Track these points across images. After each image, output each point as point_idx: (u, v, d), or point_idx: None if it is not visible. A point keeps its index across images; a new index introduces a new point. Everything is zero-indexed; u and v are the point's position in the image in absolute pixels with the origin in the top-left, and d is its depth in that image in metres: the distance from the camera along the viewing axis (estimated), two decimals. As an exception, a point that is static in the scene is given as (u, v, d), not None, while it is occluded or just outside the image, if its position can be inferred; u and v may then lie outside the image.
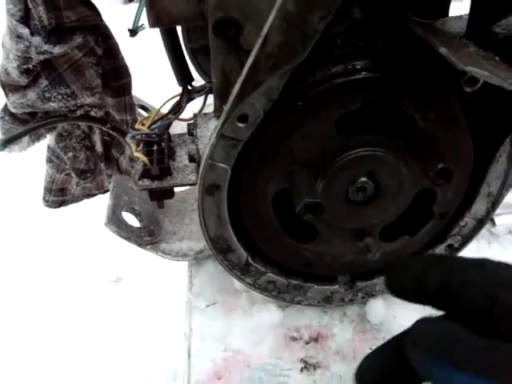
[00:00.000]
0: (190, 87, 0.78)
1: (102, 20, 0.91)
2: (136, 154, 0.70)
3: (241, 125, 0.60)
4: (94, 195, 1.23)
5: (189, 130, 0.74)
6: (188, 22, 0.69)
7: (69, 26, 0.84)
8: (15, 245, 2.63)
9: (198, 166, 0.69)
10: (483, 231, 0.89)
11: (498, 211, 0.84)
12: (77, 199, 1.24)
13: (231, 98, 0.58)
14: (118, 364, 2.04)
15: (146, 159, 0.70)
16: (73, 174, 1.16)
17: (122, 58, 1.02)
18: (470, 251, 0.91)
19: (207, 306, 0.85)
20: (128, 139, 0.74)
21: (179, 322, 0.94)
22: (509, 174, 0.72)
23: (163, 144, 0.73)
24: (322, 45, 0.61)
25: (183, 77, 0.78)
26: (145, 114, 1.15)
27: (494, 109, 0.70)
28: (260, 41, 0.55)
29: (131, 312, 2.24)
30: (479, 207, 0.75)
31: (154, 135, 0.73)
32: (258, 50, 0.55)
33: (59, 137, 1.11)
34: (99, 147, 1.15)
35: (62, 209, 1.23)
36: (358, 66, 0.61)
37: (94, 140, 1.14)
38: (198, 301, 0.85)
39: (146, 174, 0.70)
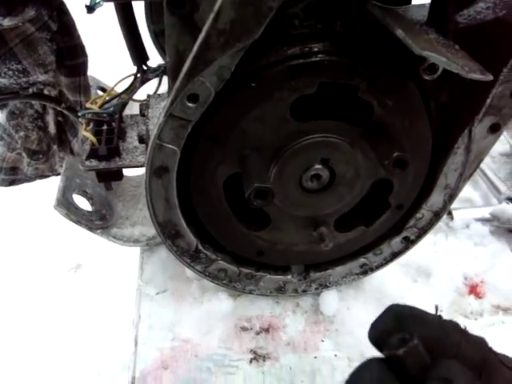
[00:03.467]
0: (145, 67, 0.75)
1: (55, -6, 0.87)
2: (84, 133, 0.67)
3: (190, 104, 0.58)
4: (46, 176, 1.19)
5: (141, 110, 0.72)
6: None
7: (20, -3, 0.80)
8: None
9: (147, 147, 0.66)
10: (441, 225, 0.88)
11: (456, 205, 0.83)
12: (29, 179, 1.20)
13: (181, 76, 0.56)
14: (73, 353, 2.00)
15: (93, 138, 0.67)
16: (24, 154, 1.12)
17: (78, 36, 0.98)
18: (428, 244, 0.91)
19: (157, 293, 0.82)
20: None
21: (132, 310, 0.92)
22: (466, 167, 0.71)
23: (114, 124, 0.70)
24: (278, 25, 0.59)
25: (138, 56, 0.75)
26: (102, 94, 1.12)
27: (453, 100, 0.69)
28: (212, 16, 0.52)
29: (90, 300, 2.19)
30: (436, 199, 0.74)
31: (104, 114, 0.71)
32: (209, 25, 0.53)
33: (11, 115, 1.07)
34: (52, 128, 1.11)
35: (20, 193, 1.19)
36: (315, 49, 0.59)
37: (48, 121, 1.10)
38: (148, 288, 0.83)
39: (93, 153, 0.67)
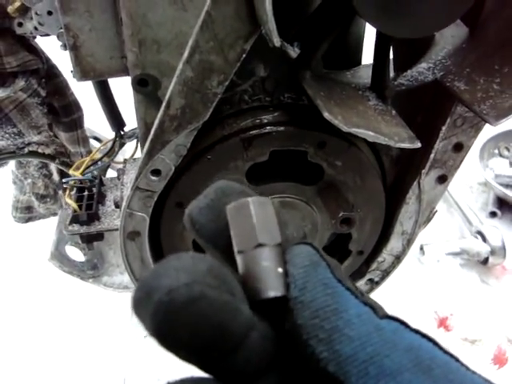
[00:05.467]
0: (122, 132, 0.82)
1: (45, 62, 0.95)
2: (67, 200, 0.74)
3: (154, 178, 0.64)
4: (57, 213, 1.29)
5: (118, 175, 0.78)
6: (112, 75, 0.73)
7: (10, 71, 0.88)
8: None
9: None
10: (412, 259, 0.93)
11: (427, 241, 0.88)
12: (43, 216, 1.30)
13: (142, 155, 0.63)
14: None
15: (75, 205, 0.74)
16: (33, 198, 1.21)
17: (72, 94, 1.06)
18: (399, 279, 0.96)
19: (145, 336, 0.89)
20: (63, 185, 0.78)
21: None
22: (419, 214, 0.77)
23: (94, 189, 0.77)
24: (229, 101, 0.65)
25: (115, 123, 0.82)
26: (98, 144, 1.19)
27: (403, 154, 0.74)
28: (164, 104, 0.59)
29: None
30: (395, 244, 0.80)
31: (86, 180, 0.78)
32: (162, 113, 0.59)
33: (19, 164, 1.16)
34: (56, 176, 1.19)
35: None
36: (265, 120, 0.66)
37: (51, 169, 1.18)
38: (136, 330, 0.89)
39: (74, 219, 0.74)
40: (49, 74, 0.98)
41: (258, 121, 0.66)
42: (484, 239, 0.98)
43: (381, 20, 0.56)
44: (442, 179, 0.74)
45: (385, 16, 0.55)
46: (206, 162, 0.65)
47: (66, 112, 1.05)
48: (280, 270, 0.25)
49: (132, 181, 0.65)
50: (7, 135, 0.96)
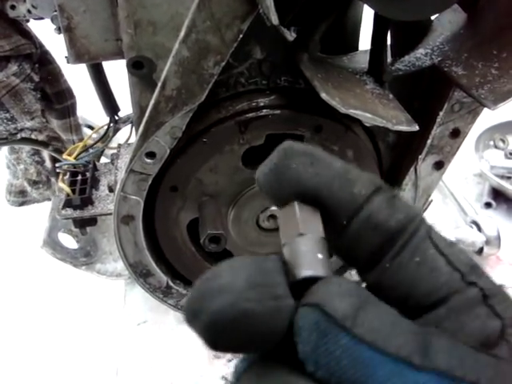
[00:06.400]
0: (116, 117, 0.81)
1: (38, 47, 0.94)
2: (60, 184, 0.73)
3: (149, 160, 0.63)
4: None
5: (112, 159, 0.78)
6: (107, 58, 0.72)
7: (3, 55, 0.87)
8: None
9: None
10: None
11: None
12: (37, 201, 1.29)
13: (137, 137, 0.62)
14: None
15: (68, 189, 0.73)
16: (25, 183, 1.21)
17: (65, 81, 1.05)
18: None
19: (138, 324, 0.88)
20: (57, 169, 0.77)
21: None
22: (415, 201, 0.76)
23: (88, 174, 0.77)
24: (225, 83, 0.65)
25: (109, 107, 0.81)
26: (90, 132, 1.18)
27: (400, 140, 0.74)
28: (159, 85, 0.58)
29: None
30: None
31: (80, 165, 0.77)
32: (157, 93, 0.59)
33: (11, 149, 1.16)
34: (48, 163, 1.18)
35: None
36: (261, 104, 0.65)
37: (44, 156, 1.17)
38: (129, 319, 0.89)
39: (68, 203, 0.73)
40: (42, 60, 0.97)
41: (254, 104, 0.65)
42: (479, 229, 0.98)
43: (380, 2, 0.55)
44: (439, 165, 0.74)
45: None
46: (202, 144, 0.65)
47: (58, 99, 1.05)
48: (320, 255, 0.25)
49: (126, 164, 0.64)
50: (0, 120, 0.95)
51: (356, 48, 0.76)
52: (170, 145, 0.62)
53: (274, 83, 0.66)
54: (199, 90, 0.59)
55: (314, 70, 0.60)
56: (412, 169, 0.73)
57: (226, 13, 0.54)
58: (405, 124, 0.60)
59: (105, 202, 0.75)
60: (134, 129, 0.86)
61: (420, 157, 0.72)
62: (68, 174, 0.77)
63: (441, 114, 0.68)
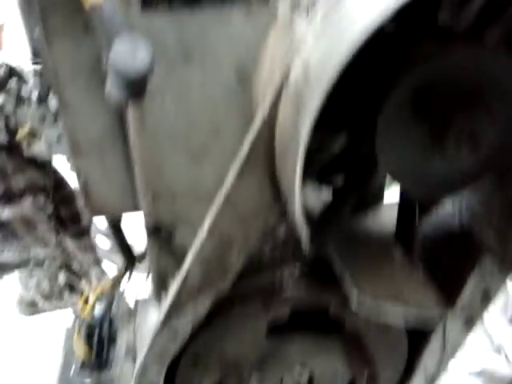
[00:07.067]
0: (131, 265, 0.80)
1: (52, 177, 0.94)
2: (75, 346, 0.71)
3: (170, 343, 0.61)
4: (63, 308, 1.27)
5: (130, 315, 0.75)
6: (124, 212, 0.70)
7: (17, 190, 0.87)
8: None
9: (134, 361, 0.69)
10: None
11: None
12: (49, 310, 1.28)
13: (157, 322, 0.60)
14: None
15: (84, 351, 0.71)
16: (37, 297, 1.19)
17: (78, 204, 1.05)
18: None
19: None
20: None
21: None
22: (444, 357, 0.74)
23: (104, 328, 0.74)
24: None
25: (126, 255, 0.79)
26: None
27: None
28: (181, 277, 0.56)
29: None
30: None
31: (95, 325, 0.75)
32: (180, 284, 0.57)
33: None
34: (62, 279, 1.18)
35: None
36: (285, 277, 0.63)
37: (56, 272, 1.17)
38: None
39: (84, 365, 0.71)
40: (56, 186, 0.97)
41: (277, 277, 0.63)
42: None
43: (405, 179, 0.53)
44: (469, 322, 0.71)
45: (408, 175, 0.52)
46: (227, 317, 0.63)
47: (73, 221, 1.05)
48: None
49: (147, 345, 0.62)
50: (13, 249, 0.95)
51: (381, 197, 0.74)
52: (191, 327, 0.61)
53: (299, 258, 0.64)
54: (222, 279, 0.57)
55: (341, 255, 0.58)
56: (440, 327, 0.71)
57: (251, 210, 0.53)
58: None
59: (122, 365, 0.73)
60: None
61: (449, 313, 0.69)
62: (84, 326, 0.75)
63: (471, 275, 0.66)
